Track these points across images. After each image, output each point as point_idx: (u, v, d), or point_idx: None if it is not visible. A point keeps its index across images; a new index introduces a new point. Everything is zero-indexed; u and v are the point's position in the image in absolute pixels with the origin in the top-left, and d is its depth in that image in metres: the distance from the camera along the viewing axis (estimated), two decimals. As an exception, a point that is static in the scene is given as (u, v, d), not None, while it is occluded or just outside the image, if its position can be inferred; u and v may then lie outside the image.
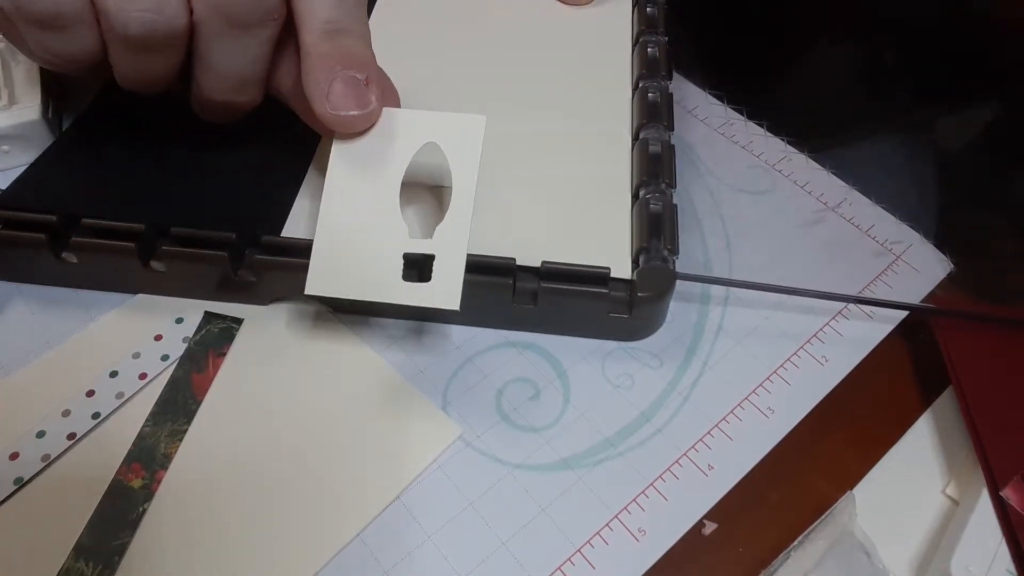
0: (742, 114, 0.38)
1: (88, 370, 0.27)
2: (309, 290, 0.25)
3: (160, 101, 0.29)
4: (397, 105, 0.27)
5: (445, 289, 0.25)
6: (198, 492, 0.25)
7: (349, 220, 0.26)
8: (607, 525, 0.25)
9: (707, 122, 0.38)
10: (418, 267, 0.25)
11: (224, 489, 0.25)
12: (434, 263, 0.25)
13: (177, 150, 0.30)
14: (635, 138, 0.32)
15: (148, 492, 0.25)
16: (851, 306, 0.31)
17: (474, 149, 0.26)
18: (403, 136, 0.26)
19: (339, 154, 0.26)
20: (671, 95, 0.34)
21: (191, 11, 0.24)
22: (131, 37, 0.24)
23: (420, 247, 0.25)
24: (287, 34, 0.26)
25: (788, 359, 0.29)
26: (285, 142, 0.30)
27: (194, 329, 0.29)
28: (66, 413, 0.26)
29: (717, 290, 0.31)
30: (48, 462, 0.25)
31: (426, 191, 0.30)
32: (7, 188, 0.29)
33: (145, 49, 0.25)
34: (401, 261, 0.25)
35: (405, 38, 0.36)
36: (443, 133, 0.26)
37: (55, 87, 0.34)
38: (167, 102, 0.29)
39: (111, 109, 0.32)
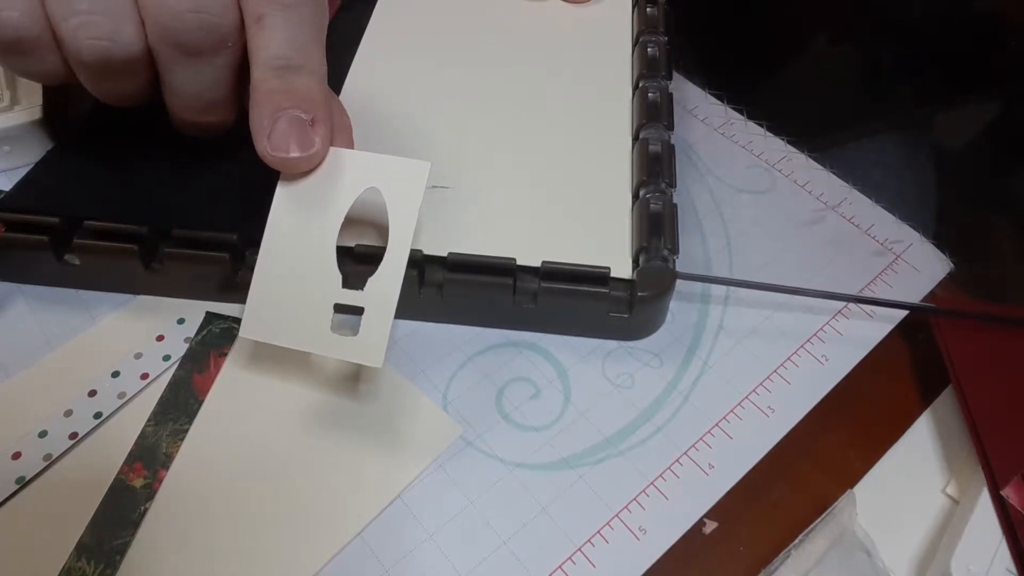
0: (742, 114, 0.38)
1: (90, 370, 0.27)
2: (244, 334, 0.25)
3: (161, 105, 0.29)
4: (350, 143, 0.26)
5: (370, 346, 0.24)
6: (200, 491, 0.25)
7: (286, 265, 0.25)
8: (608, 524, 0.25)
9: (707, 122, 0.38)
10: (348, 320, 0.24)
11: (225, 488, 0.25)
12: (362, 318, 0.24)
13: (179, 152, 0.30)
14: (635, 138, 0.32)
15: (150, 491, 0.25)
16: (851, 305, 0.31)
17: (414, 196, 0.25)
18: (347, 178, 0.25)
19: (282, 194, 0.25)
20: (671, 95, 0.34)
21: (147, 37, 0.24)
22: (86, 63, 0.24)
23: (351, 299, 0.24)
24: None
25: (788, 358, 0.29)
26: None
27: (195, 329, 0.29)
28: (68, 413, 0.26)
29: (717, 289, 0.31)
30: (50, 462, 0.25)
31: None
32: (10, 190, 0.29)
33: (104, 74, 0.25)
34: (331, 312, 0.24)
35: (405, 37, 0.37)
36: (385, 177, 0.25)
37: (57, 88, 0.34)
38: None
39: (113, 110, 0.32)
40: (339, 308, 0.24)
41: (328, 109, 0.25)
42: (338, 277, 0.25)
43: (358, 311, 0.24)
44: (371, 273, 0.24)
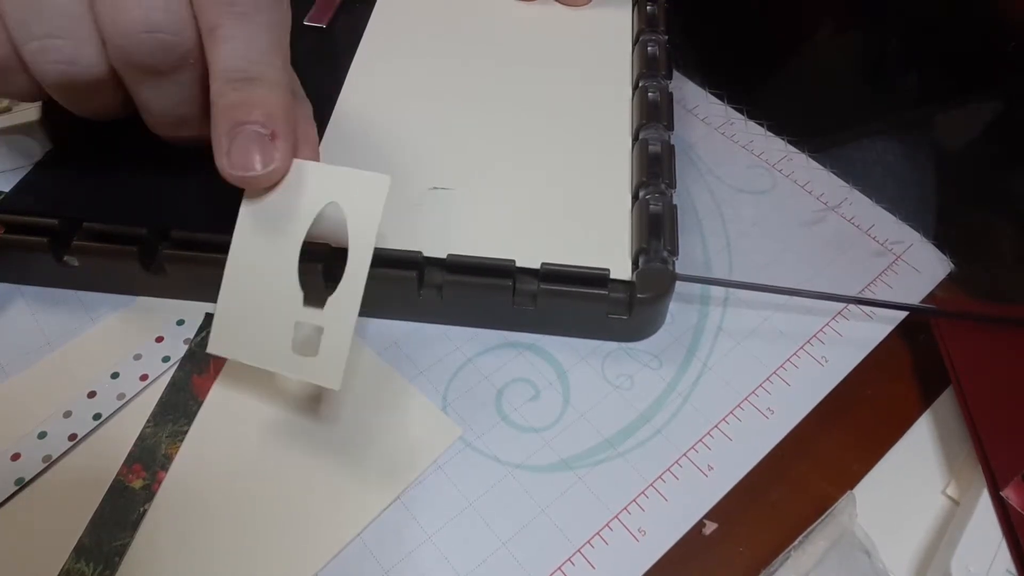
0: (742, 113, 0.38)
1: (89, 371, 0.27)
2: (210, 350, 0.25)
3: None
4: (315, 153, 0.26)
5: (328, 366, 0.23)
6: (199, 493, 0.25)
7: (250, 281, 0.24)
8: (607, 525, 0.25)
9: (707, 121, 0.38)
10: (308, 339, 0.24)
11: (225, 489, 0.25)
12: (322, 337, 0.23)
13: (178, 153, 0.30)
14: (635, 138, 0.32)
15: (149, 493, 0.25)
16: (851, 306, 0.31)
17: (374, 212, 0.24)
18: (307, 192, 0.24)
19: (246, 210, 0.25)
20: (671, 94, 0.34)
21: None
22: (51, 85, 0.24)
23: (311, 317, 0.24)
24: None
25: (788, 359, 0.29)
26: None
27: (195, 331, 0.29)
28: (67, 414, 0.26)
29: (717, 291, 0.31)
30: (49, 463, 0.25)
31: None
32: (10, 192, 0.29)
33: (72, 93, 0.25)
34: (291, 330, 0.24)
35: (403, 39, 0.37)
36: (346, 191, 0.24)
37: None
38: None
39: None
40: (299, 327, 0.24)
41: (290, 121, 0.24)
42: (299, 295, 0.24)
43: (318, 331, 0.24)
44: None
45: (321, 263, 0.27)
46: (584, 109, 0.34)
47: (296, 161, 0.24)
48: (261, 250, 0.24)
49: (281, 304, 0.24)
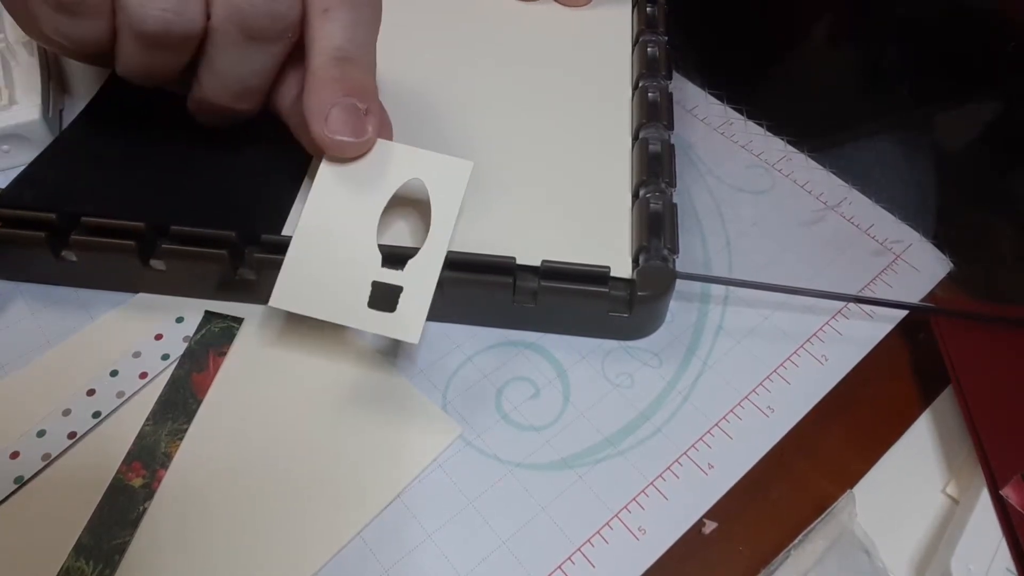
0: (742, 113, 0.38)
1: (88, 369, 0.27)
2: (275, 303, 0.25)
3: (160, 99, 0.29)
4: (391, 136, 0.27)
5: (407, 323, 0.25)
6: (199, 491, 0.25)
7: (326, 240, 0.26)
8: (607, 524, 0.25)
9: (707, 121, 0.38)
10: (386, 297, 0.25)
11: (224, 488, 0.25)
12: (401, 295, 0.25)
13: (177, 148, 0.30)
14: (635, 137, 0.32)
15: (149, 491, 0.25)
16: (851, 305, 0.31)
17: (457, 191, 0.26)
18: (392, 168, 0.26)
19: (327, 174, 0.26)
20: (671, 94, 0.34)
21: (209, 15, 0.24)
22: (146, 33, 0.24)
23: (391, 277, 0.25)
24: (296, 52, 0.26)
25: (788, 358, 0.29)
26: (285, 141, 0.30)
27: (194, 328, 0.29)
28: (67, 412, 0.26)
29: (717, 289, 0.31)
30: (49, 461, 0.25)
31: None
32: (7, 187, 0.29)
33: (156, 46, 0.25)
34: (369, 288, 0.25)
35: (405, 37, 0.36)
36: (430, 172, 0.27)
37: (55, 87, 0.34)
38: (168, 100, 0.29)
39: (111, 107, 0.32)
40: (377, 285, 0.25)
41: (379, 102, 0.26)
42: (378, 256, 0.25)
43: (396, 291, 0.25)
44: (404, 262, 0.25)
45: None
46: (584, 108, 0.34)
47: (380, 140, 0.27)
48: (339, 213, 0.26)
49: (359, 263, 0.25)
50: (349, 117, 0.25)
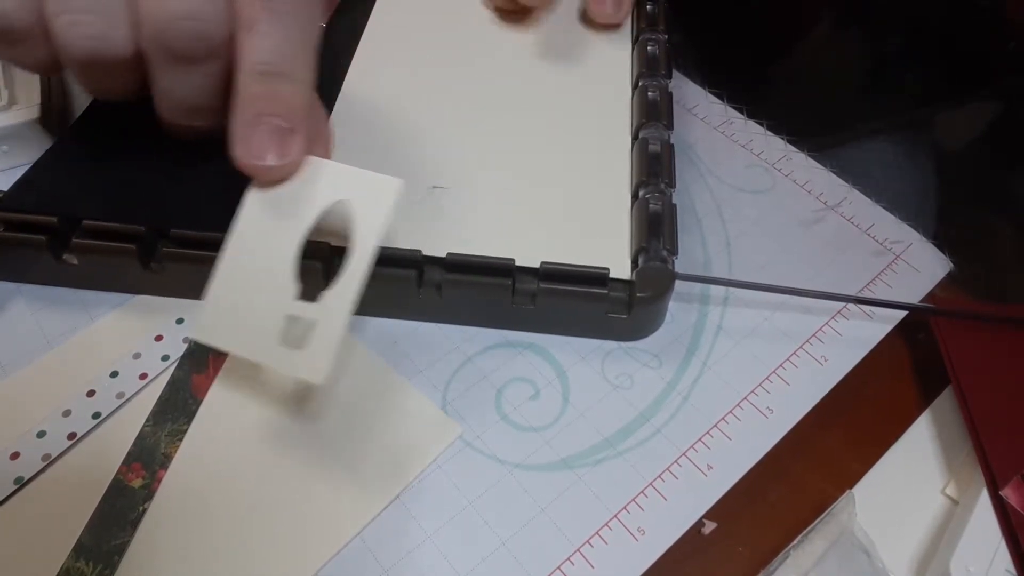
0: (742, 113, 0.38)
1: (89, 370, 0.27)
2: (193, 335, 0.25)
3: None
4: (327, 153, 0.26)
5: (315, 360, 0.23)
6: (198, 492, 0.25)
7: (247, 271, 0.24)
8: (606, 525, 0.25)
9: (707, 121, 0.38)
10: (298, 332, 0.24)
11: (224, 488, 0.25)
12: (312, 331, 0.23)
13: (177, 151, 0.30)
14: (635, 137, 0.32)
15: (148, 492, 0.25)
16: (850, 306, 0.31)
17: (382, 214, 0.24)
18: (318, 189, 0.24)
19: (253, 199, 0.25)
20: (671, 94, 0.34)
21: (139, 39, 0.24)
22: (75, 59, 0.24)
23: (303, 311, 0.24)
24: None
25: (787, 359, 0.29)
26: None
27: (194, 329, 0.29)
28: (66, 413, 0.26)
29: (716, 290, 0.31)
30: (48, 462, 0.25)
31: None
32: (8, 190, 0.29)
33: (93, 70, 0.25)
34: (281, 322, 0.24)
35: (402, 38, 0.36)
36: (357, 191, 0.24)
37: (55, 87, 0.34)
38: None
39: (111, 110, 0.32)
40: (290, 320, 0.24)
41: (308, 119, 0.25)
42: (293, 288, 0.24)
43: (308, 325, 0.23)
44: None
45: (321, 262, 0.27)
46: (584, 109, 0.34)
47: (309, 158, 0.25)
48: (262, 240, 0.24)
49: (274, 295, 0.24)
50: (272, 138, 0.24)
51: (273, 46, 0.24)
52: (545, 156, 0.32)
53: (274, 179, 0.24)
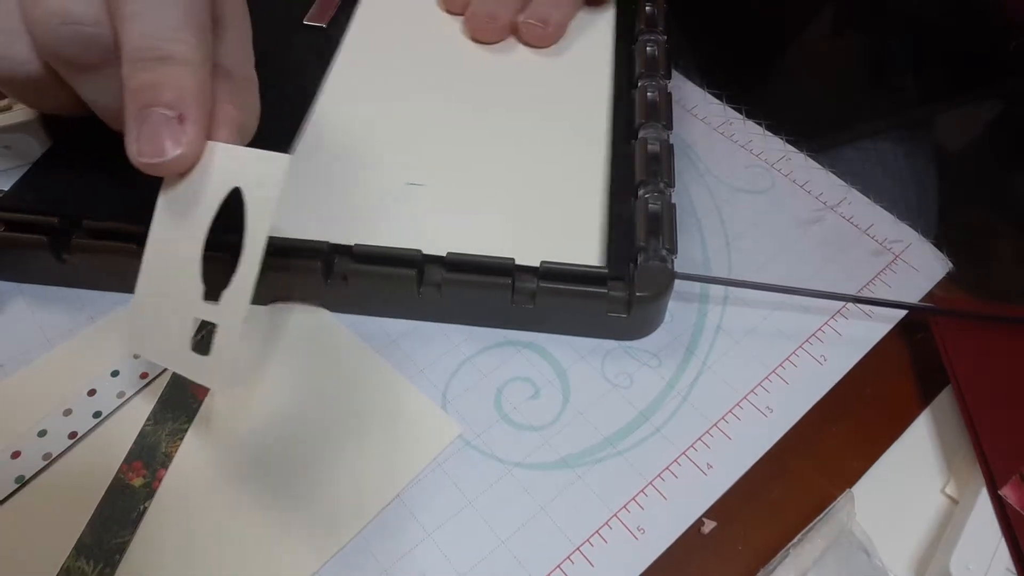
0: (741, 113, 0.38)
1: (89, 369, 0.27)
2: (129, 347, 0.24)
3: None
4: (233, 134, 0.24)
5: (219, 365, 0.22)
6: (199, 491, 0.25)
7: (161, 275, 0.23)
8: (606, 524, 0.25)
9: (706, 121, 0.38)
10: (205, 336, 0.23)
11: (225, 488, 0.25)
12: (216, 333, 0.22)
13: None
14: (634, 137, 0.32)
15: (149, 491, 0.25)
16: (850, 305, 0.31)
17: (270, 195, 0.22)
18: (215, 178, 0.23)
19: (163, 198, 0.23)
20: (670, 94, 0.34)
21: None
22: None
23: (208, 313, 0.22)
24: None
25: (787, 358, 0.29)
26: (279, 143, 0.30)
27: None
28: (67, 412, 0.26)
29: (716, 289, 0.31)
30: (49, 461, 0.25)
31: None
32: (9, 190, 0.29)
33: (13, 88, 0.24)
34: (191, 327, 0.23)
35: (388, 42, 0.37)
36: (245, 174, 0.22)
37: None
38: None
39: None
40: (199, 324, 0.23)
41: (203, 102, 0.23)
42: (199, 289, 0.23)
43: (213, 328, 0.22)
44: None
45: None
46: (560, 109, 0.34)
47: (209, 144, 0.23)
48: (172, 241, 0.23)
49: (183, 299, 0.23)
50: (160, 131, 0.22)
51: (148, 29, 0.22)
52: (521, 154, 0.32)
53: (171, 173, 0.23)
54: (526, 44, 0.37)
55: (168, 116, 0.22)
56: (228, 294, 0.22)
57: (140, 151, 0.22)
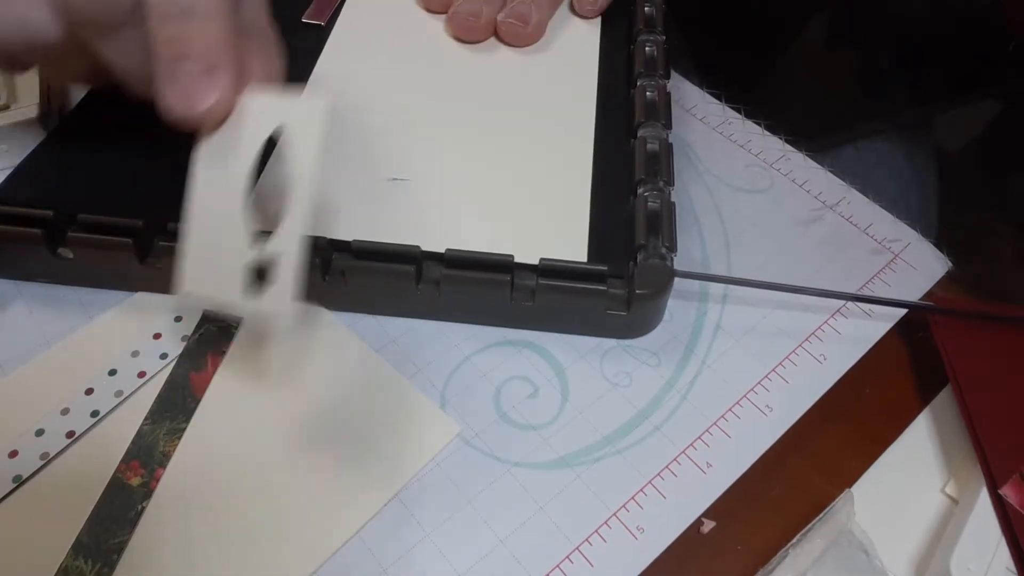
0: (740, 113, 0.38)
1: (87, 368, 0.27)
2: (180, 290, 0.24)
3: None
4: (271, 80, 0.25)
5: (277, 295, 0.23)
6: (197, 490, 0.25)
7: (208, 222, 0.24)
8: (605, 523, 0.25)
9: (705, 121, 0.38)
10: (258, 274, 0.23)
11: (223, 487, 0.25)
12: (271, 269, 0.23)
13: (174, 144, 0.30)
14: (633, 136, 0.32)
15: (147, 490, 0.25)
16: (849, 304, 0.31)
17: (315, 139, 0.23)
18: (253, 126, 0.23)
19: (203, 149, 0.24)
20: (669, 94, 0.34)
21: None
22: (11, 47, 0.24)
23: (260, 251, 0.23)
24: None
25: (786, 357, 0.29)
26: None
27: (192, 327, 0.29)
28: (65, 411, 0.26)
29: (715, 288, 0.31)
30: (47, 460, 0.25)
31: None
32: (2, 182, 0.29)
33: (32, 56, 0.24)
34: (241, 268, 0.23)
35: (375, 39, 0.36)
36: (286, 115, 0.23)
37: (54, 86, 0.34)
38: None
39: (106, 102, 0.32)
40: (250, 263, 0.23)
41: (232, 52, 0.23)
42: (245, 230, 0.23)
43: (267, 265, 0.23)
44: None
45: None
46: (548, 106, 0.34)
47: (246, 94, 0.23)
48: (215, 189, 0.24)
49: (232, 243, 0.23)
50: (192, 84, 0.22)
51: None
52: (505, 152, 0.32)
53: (206, 125, 0.23)
54: (506, 43, 0.36)
55: (199, 68, 0.22)
56: (282, 228, 0.23)
57: (174, 104, 0.22)
